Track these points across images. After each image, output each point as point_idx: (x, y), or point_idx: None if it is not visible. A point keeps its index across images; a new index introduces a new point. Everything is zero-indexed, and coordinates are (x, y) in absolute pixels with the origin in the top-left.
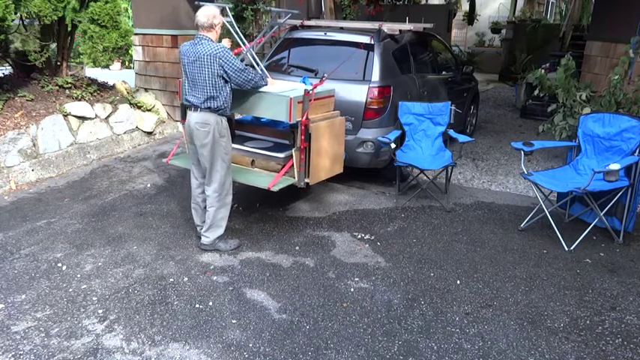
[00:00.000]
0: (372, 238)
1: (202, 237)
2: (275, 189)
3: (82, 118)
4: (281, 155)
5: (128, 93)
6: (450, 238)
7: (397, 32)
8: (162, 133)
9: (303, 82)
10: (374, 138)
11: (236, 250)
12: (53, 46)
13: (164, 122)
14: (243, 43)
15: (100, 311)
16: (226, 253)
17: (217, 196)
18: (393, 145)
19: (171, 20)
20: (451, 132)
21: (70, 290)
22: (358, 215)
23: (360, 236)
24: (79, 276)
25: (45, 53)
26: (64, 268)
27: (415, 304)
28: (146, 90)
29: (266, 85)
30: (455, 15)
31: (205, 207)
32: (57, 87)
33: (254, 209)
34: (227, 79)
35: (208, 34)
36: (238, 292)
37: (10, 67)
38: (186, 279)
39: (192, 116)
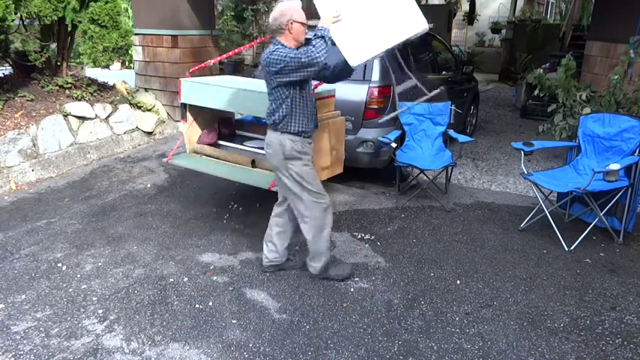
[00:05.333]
0: (372, 238)
1: (309, 267)
2: (275, 189)
3: (82, 118)
4: None
5: (128, 93)
6: (450, 238)
7: None
8: (162, 133)
9: None
10: (374, 138)
11: (348, 277)
12: (53, 46)
13: (164, 122)
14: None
15: (100, 311)
16: (293, 269)
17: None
18: (394, 145)
19: (171, 20)
20: (451, 132)
21: (70, 290)
22: (358, 215)
23: (360, 236)
24: (79, 276)
25: (45, 53)
26: (64, 268)
27: (415, 304)
28: (146, 90)
29: (320, 56)
30: (455, 15)
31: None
32: (57, 87)
33: (254, 209)
34: (291, 82)
35: (279, 37)
36: (238, 292)
37: (10, 67)
38: (186, 279)
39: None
